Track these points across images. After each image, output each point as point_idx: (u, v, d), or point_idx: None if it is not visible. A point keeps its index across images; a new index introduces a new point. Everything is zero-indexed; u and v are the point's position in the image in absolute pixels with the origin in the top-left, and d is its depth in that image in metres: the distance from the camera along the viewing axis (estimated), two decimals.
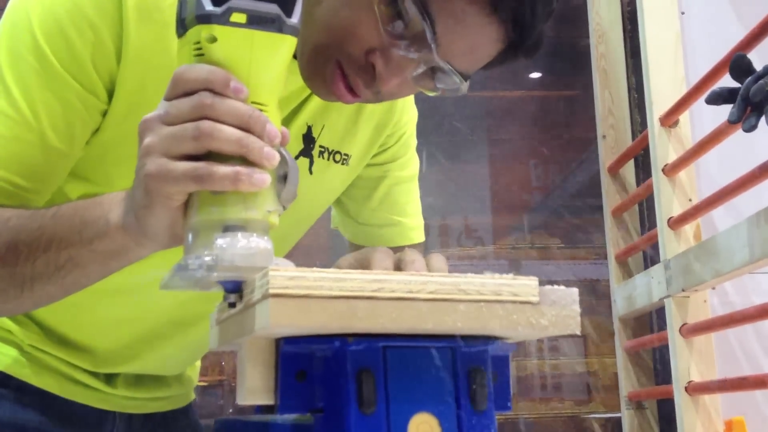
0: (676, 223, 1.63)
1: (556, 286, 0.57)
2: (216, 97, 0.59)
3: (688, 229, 1.64)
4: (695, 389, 1.57)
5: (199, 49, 0.61)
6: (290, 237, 0.96)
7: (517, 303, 0.56)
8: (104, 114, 0.79)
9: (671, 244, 1.64)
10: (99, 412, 0.94)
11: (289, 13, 0.61)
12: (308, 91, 0.86)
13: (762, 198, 1.41)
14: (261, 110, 0.61)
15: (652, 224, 1.80)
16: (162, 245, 0.66)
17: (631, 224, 1.99)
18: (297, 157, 0.88)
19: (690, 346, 1.61)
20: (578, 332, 0.57)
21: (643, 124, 1.83)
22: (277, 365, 0.56)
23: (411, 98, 1.01)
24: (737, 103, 1.21)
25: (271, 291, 0.51)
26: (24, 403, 0.87)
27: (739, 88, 1.24)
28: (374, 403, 0.53)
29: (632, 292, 1.85)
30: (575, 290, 0.58)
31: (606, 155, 2.04)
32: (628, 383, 1.95)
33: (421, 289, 0.54)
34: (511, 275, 0.57)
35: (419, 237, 1.03)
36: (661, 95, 1.70)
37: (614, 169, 2.02)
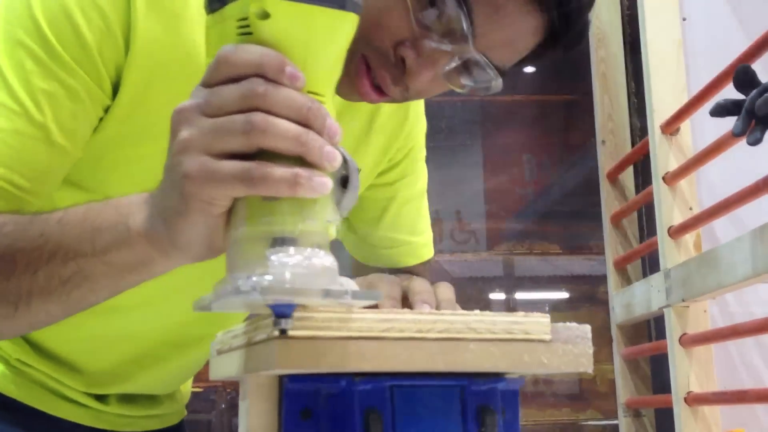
0: (676, 232, 1.62)
1: (568, 323, 0.56)
2: (269, 85, 0.51)
3: (689, 238, 1.62)
4: (695, 400, 1.56)
5: (246, 26, 0.52)
6: None
7: (528, 341, 0.54)
8: (106, 111, 0.72)
9: (671, 254, 1.63)
10: (90, 431, 0.91)
11: None
12: None
13: (765, 209, 1.40)
14: (319, 98, 0.53)
15: (652, 231, 1.79)
16: (194, 258, 0.57)
17: (630, 231, 1.98)
18: None
19: (689, 356, 1.60)
20: (590, 371, 0.56)
21: (643, 130, 1.81)
22: (280, 402, 0.55)
23: (422, 108, 0.96)
24: (742, 116, 1.19)
25: (277, 333, 0.49)
26: (9, 421, 0.82)
27: (743, 101, 1.23)
28: None
29: (631, 300, 1.84)
30: (587, 327, 0.56)
31: (605, 161, 2.03)
32: (625, 390, 1.94)
33: (431, 328, 0.52)
34: (522, 313, 0.55)
35: (428, 253, 1.00)
36: (662, 102, 1.68)
37: (613, 175, 2.00)
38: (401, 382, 0.54)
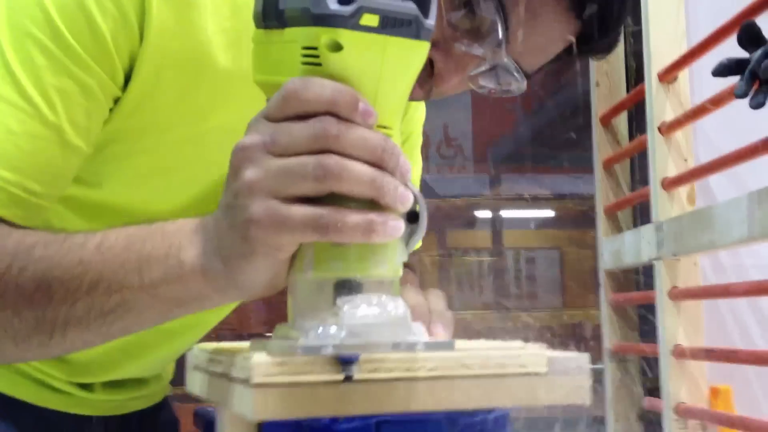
0: (670, 184, 1.59)
1: (566, 353, 0.53)
2: (342, 125, 0.48)
3: (682, 191, 1.59)
4: (681, 354, 1.56)
5: (314, 56, 0.49)
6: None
7: (524, 375, 0.51)
8: (115, 102, 0.67)
9: (664, 206, 1.60)
10: (75, 418, 0.88)
11: (426, 12, 0.50)
12: None
13: (764, 169, 1.36)
14: (388, 133, 0.51)
15: (644, 180, 1.75)
16: (253, 296, 0.54)
17: (622, 177, 1.95)
18: None
19: (678, 310, 1.59)
20: (587, 402, 0.53)
21: (639, 74, 1.76)
22: None
23: None
24: (745, 77, 1.15)
25: (255, 381, 0.45)
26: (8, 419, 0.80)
27: (747, 60, 1.18)
28: None
29: (620, 248, 1.82)
30: (585, 357, 0.53)
31: (599, 104, 1.98)
32: (611, 336, 1.94)
33: (420, 366, 0.49)
34: (519, 342, 0.52)
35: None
36: (659, 49, 1.62)
37: (607, 119, 1.96)
38: (388, 417, 0.51)
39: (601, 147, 1.97)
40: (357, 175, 0.48)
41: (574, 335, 2.07)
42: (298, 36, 0.50)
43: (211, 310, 0.71)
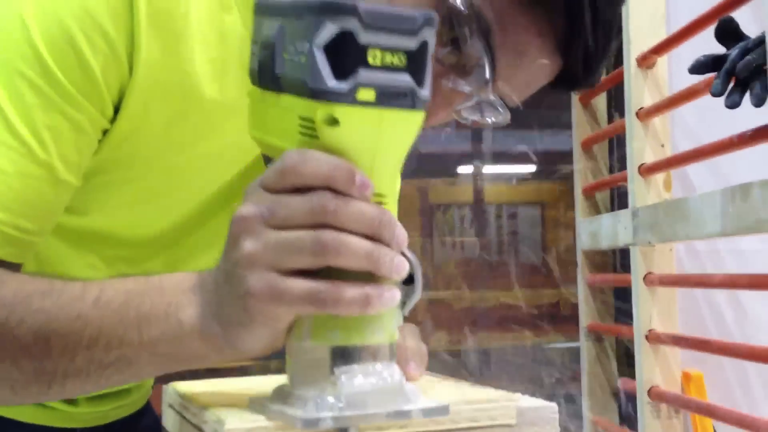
0: (647, 171, 1.60)
1: (535, 403, 0.54)
2: (339, 200, 0.49)
3: (659, 177, 1.60)
4: (655, 338, 1.58)
5: (312, 129, 0.50)
6: None
7: (494, 427, 0.52)
8: (104, 133, 0.67)
9: (641, 193, 1.61)
10: (59, 431, 0.89)
11: (421, 82, 0.51)
12: None
13: (740, 159, 1.37)
14: (382, 203, 0.52)
15: (623, 162, 1.76)
16: (251, 356, 0.55)
17: (600, 158, 1.95)
18: None
19: (653, 296, 1.61)
20: None
21: (619, 57, 1.76)
22: None
23: None
24: (721, 76, 1.15)
25: None
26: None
27: (724, 57, 1.18)
28: None
29: (598, 230, 1.83)
30: (554, 406, 0.54)
31: None
32: (588, 316, 1.96)
33: (391, 424, 0.50)
34: (489, 393, 0.53)
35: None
36: (639, 34, 1.62)
37: (586, 99, 1.95)
38: None
39: (579, 127, 1.98)
40: (354, 250, 0.49)
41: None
42: (294, 105, 0.50)
43: None
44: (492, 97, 0.66)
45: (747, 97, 1.12)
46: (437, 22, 0.52)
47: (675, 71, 1.60)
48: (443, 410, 0.50)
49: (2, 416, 0.85)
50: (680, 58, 1.59)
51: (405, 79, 0.50)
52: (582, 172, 1.96)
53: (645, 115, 1.60)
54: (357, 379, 0.49)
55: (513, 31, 0.63)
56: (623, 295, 1.76)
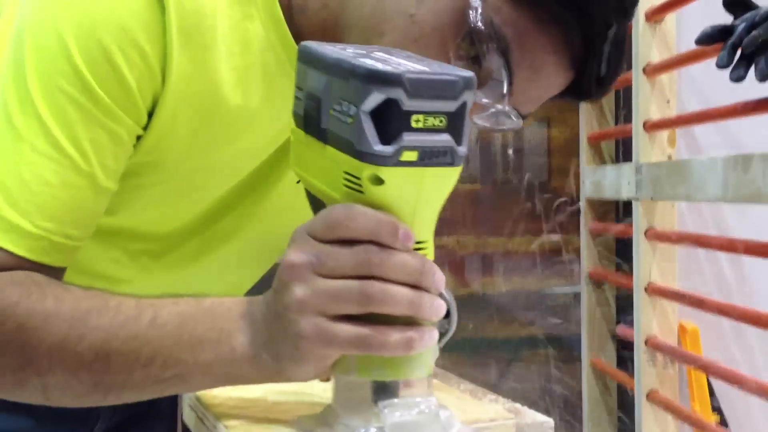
0: (652, 127, 1.61)
1: (534, 418, 0.58)
2: (384, 253, 0.53)
3: (664, 134, 1.62)
4: (654, 291, 1.63)
5: (358, 185, 0.53)
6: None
7: None
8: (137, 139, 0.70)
9: (645, 148, 1.62)
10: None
11: (459, 141, 0.53)
12: None
13: (749, 122, 1.38)
14: (422, 249, 0.55)
15: (628, 115, 1.77)
16: (298, 382, 0.60)
17: (607, 107, 1.96)
18: None
19: (653, 250, 1.64)
20: None
21: None
22: None
23: None
24: (727, 49, 1.15)
25: None
26: (10, 410, 0.79)
27: (731, 28, 1.18)
28: None
29: (601, 180, 1.86)
30: (551, 421, 0.58)
31: None
32: (589, 262, 2.00)
33: None
34: (489, 407, 0.57)
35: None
36: None
37: None
38: None
39: None
40: (398, 299, 0.53)
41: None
42: (340, 160, 0.54)
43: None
44: (507, 108, 0.68)
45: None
46: (476, 83, 0.54)
47: (683, 28, 1.60)
48: None
49: None
50: (689, 15, 1.59)
51: (445, 139, 0.52)
52: (587, 120, 1.97)
53: (652, 71, 1.60)
54: (398, 411, 0.53)
55: (530, 49, 0.65)
56: (624, 245, 1.80)
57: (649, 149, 1.62)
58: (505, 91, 0.65)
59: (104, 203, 0.68)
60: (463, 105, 0.53)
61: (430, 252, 0.56)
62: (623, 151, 1.93)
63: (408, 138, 0.51)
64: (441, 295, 0.55)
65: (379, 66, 0.51)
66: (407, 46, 0.64)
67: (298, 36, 0.69)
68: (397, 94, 0.50)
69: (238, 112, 0.70)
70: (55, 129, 0.63)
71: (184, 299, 0.62)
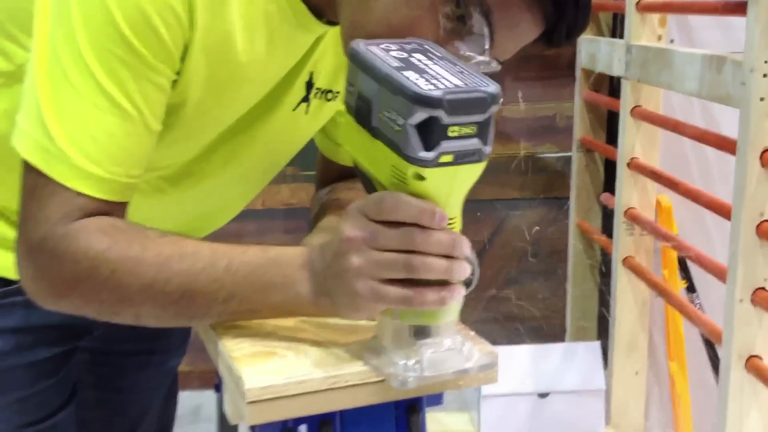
0: (644, 8, 1.64)
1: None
2: (424, 234, 0.67)
3: (655, 16, 1.65)
4: (636, 167, 1.72)
5: (402, 178, 0.66)
6: (282, 163, 1.03)
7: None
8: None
9: (636, 29, 1.66)
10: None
11: (485, 141, 0.65)
12: (315, 41, 0.88)
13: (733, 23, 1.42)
14: (452, 224, 0.69)
15: None
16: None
17: None
18: (299, 105, 0.92)
19: (638, 128, 1.72)
20: (496, 381, 0.72)
21: None
22: None
23: None
24: None
25: (247, 400, 0.64)
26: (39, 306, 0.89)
27: None
28: None
29: (596, 53, 1.91)
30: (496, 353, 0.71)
31: None
32: (581, 128, 2.09)
33: (370, 374, 0.67)
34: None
35: None
36: None
37: None
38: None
39: None
40: (435, 268, 0.68)
41: None
42: (388, 155, 0.66)
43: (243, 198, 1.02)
44: (489, 60, 0.78)
45: None
46: (501, 97, 0.66)
47: None
48: (492, 364, 0.71)
49: None
50: None
51: (475, 143, 0.65)
52: None
53: None
54: (432, 348, 0.69)
55: (508, 9, 0.74)
56: (616, 120, 1.87)
57: (640, 30, 1.66)
58: (486, 46, 0.76)
59: (154, 143, 0.80)
60: (491, 115, 0.64)
61: (458, 224, 0.70)
62: (621, 26, 1.96)
63: (445, 145, 0.64)
64: (467, 258, 0.69)
65: (423, 87, 0.62)
66: (400, 8, 0.74)
67: None
68: (438, 113, 0.62)
69: (247, 58, 0.81)
70: (111, 87, 0.74)
71: (252, 248, 0.76)
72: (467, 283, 0.70)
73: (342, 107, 0.72)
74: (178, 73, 0.79)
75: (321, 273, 0.73)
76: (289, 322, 0.78)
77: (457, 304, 0.70)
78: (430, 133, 0.63)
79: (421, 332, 0.69)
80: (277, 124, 0.91)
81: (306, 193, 2.11)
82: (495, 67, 0.80)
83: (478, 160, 0.66)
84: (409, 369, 0.67)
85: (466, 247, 0.69)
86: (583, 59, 2.01)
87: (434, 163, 0.64)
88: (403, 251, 0.68)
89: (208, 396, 1.30)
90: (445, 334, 0.70)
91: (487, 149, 0.66)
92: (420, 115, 0.62)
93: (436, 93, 0.62)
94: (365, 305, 0.70)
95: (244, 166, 0.95)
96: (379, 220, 0.68)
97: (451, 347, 0.69)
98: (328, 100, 0.96)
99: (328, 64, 0.93)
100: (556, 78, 2.16)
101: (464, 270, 0.69)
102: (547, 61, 2.14)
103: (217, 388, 0.97)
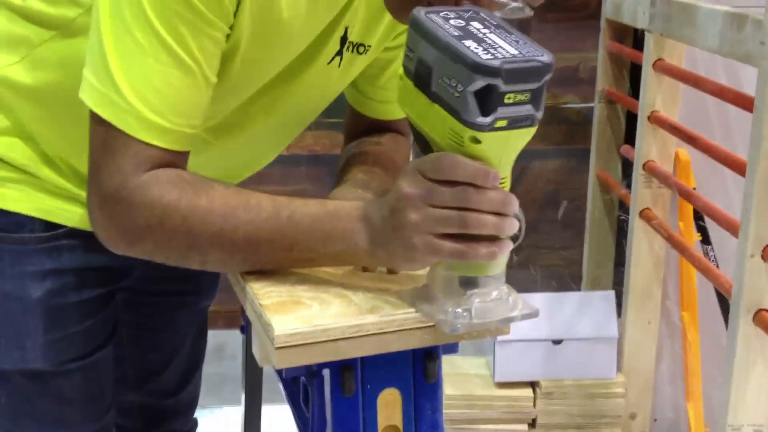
0: None
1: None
2: (478, 193, 0.71)
3: None
4: (656, 120, 1.74)
5: (460, 142, 0.70)
6: (314, 115, 1.06)
7: None
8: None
9: None
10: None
11: (537, 108, 0.68)
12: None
13: None
14: (503, 183, 0.72)
15: None
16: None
17: None
18: (333, 58, 0.95)
19: (659, 82, 1.73)
20: (507, 331, 0.76)
21: None
22: None
23: None
24: None
25: (276, 345, 0.69)
26: (96, 249, 0.91)
27: None
28: (353, 389, 0.75)
29: (622, 4, 1.91)
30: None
31: None
32: (604, 80, 2.10)
33: (390, 324, 0.72)
34: None
35: None
36: None
37: None
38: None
39: None
40: (486, 224, 0.72)
41: None
42: (446, 118, 0.69)
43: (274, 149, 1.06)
44: (520, 4, 0.82)
45: None
46: (554, 66, 0.68)
47: None
48: (535, 314, 0.75)
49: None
50: None
51: (528, 109, 0.68)
52: None
53: None
54: (479, 297, 0.73)
55: None
56: (639, 70, 1.88)
57: None
58: None
59: (211, 94, 0.84)
60: (544, 83, 0.67)
61: (508, 183, 0.74)
62: None
63: (501, 111, 0.67)
64: (515, 215, 0.73)
65: (482, 56, 0.65)
66: None
67: None
68: (496, 81, 0.66)
69: (289, 14, 0.85)
70: (172, 43, 0.79)
71: (311, 201, 0.81)
72: (514, 239, 0.74)
73: (401, 71, 0.75)
74: (231, 28, 0.82)
75: (378, 226, 0.77)
76: (316, 272, 0.83)
77: (505, 257, 0.74)
78: (488, 99, 0.66)
79: (470, 282, 0.73)
80: (313, 77, 0.95)
81: (329, 141, 2.15)
82: (528, 12, 0.83)
83: (530, 125, 0.69)
84: (459, 316, 0.72)
85: (515, 205, 0.73)
86: (608, 10, 2.01)
87: (490, 128, 0.67)
88: (458, 208, 0.72)
89: (233, 335, 1.37)
90: (493, 285, 0.74)
91: (539, 114, 0.69)
92: (479, 83, 0.65)
93: (495, 63, 0.65)
94: (421, 257, 0.74)
95: (280, 118, 0.99)
96: (436, 179, 0.72)
97: (498, 297, 0.74)
98: (360, 53, 0.98)
99: (361, 18, 0.95)
100: (581, 29, 2.16)
101: (513, 226, 0.73)
102: (572, 10, 2.13)
103: (242, 329, 1.03)
